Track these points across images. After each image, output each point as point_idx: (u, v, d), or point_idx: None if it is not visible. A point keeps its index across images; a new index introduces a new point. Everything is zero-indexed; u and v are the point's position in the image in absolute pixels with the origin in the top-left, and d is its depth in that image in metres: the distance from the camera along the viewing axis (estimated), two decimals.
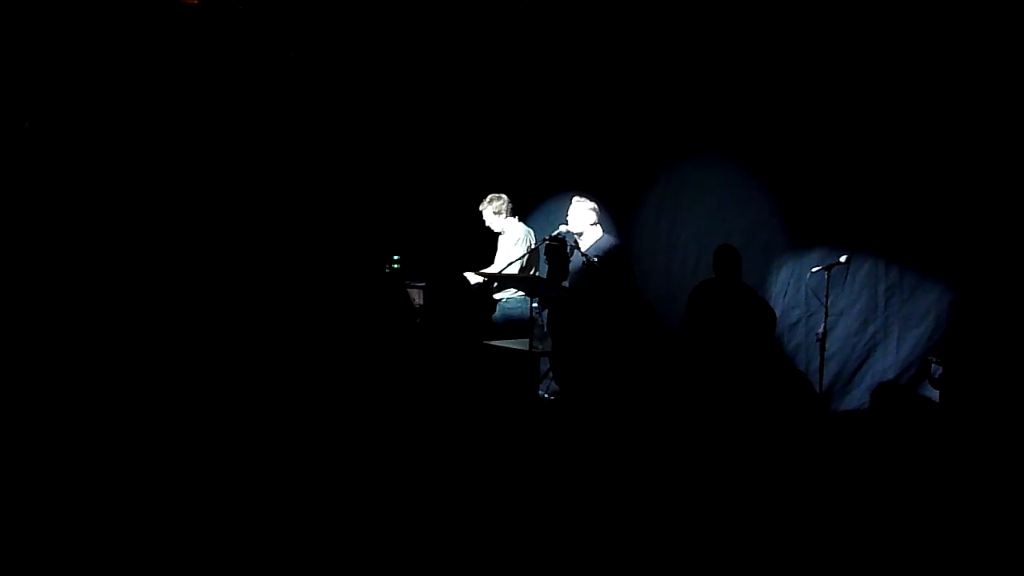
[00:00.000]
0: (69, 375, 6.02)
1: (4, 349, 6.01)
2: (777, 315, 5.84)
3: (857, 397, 5.47)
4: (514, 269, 6.16)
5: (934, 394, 5.01)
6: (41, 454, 4.82)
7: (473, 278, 6.26)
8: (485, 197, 6.44)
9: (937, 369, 4.85)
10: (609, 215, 6.67)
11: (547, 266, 6.05)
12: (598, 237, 6.12)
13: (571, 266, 5.92)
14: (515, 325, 6.17)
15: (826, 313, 5.31)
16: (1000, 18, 4.88)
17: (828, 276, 5.31)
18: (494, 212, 6.39)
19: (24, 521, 3.88)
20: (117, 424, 5.39)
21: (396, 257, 7.65)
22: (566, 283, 5.89)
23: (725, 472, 4.55)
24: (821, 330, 5.31)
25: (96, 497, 4.23)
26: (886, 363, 5.36)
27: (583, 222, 6.08)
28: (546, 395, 6.13)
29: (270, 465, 4.55)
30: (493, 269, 6.33)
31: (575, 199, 6.11)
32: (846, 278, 5.48)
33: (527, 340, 5.61)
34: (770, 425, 5.22)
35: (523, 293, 6.20)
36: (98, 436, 5.22)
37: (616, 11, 6.61)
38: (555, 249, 5.91)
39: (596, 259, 5.75)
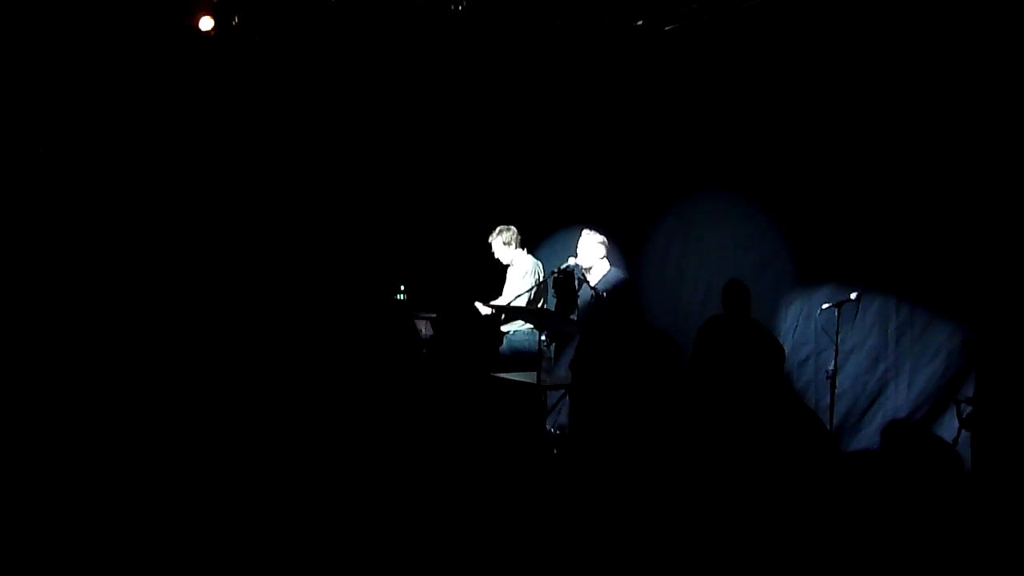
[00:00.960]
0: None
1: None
2: (786, 351, 5.80)
3: (868, 436, 5.40)
4: (522, 301, 6.15)
5: (947, 434, 4.95)
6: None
7: (481, 310, 6.25)
8: (494, 228, 6.45)
9: (966, 409, 4.76)
10: (618, 249, 6.67)
11: (555, 299, 6.03)
12: (606, 271, 6.10)
13: (579, 299, 5.90)
14: (522, 358, 6.14)
15: (836, 350, 5.27)
16: (1009, 52, 4.90)
17: (838, 313, 5.27)
18: (503, 243, 6.40)
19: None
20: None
21: (403, 287, 7.66)
22: (574, 316, 5.87)
23: (734, 509, 4.50)
24: (831, 367, 5.26)
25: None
26: (897, 402, 5.29)
27: (592, 255, 6.06)
28: (553, 429, 6.07)
29: (276, 496, 4.51)
30: (501, 301, 6.32)
31: (585, 232, 6.10)
32: (856, 315, 5.43)
33: (534, 373, 5.57)
34: (780, 464, 5.16)
35: (531, 326, 6.17)
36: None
37: (630, 46, 6.67)
38: (563, 282, 5.88)
39: (605, 293, 5.73)
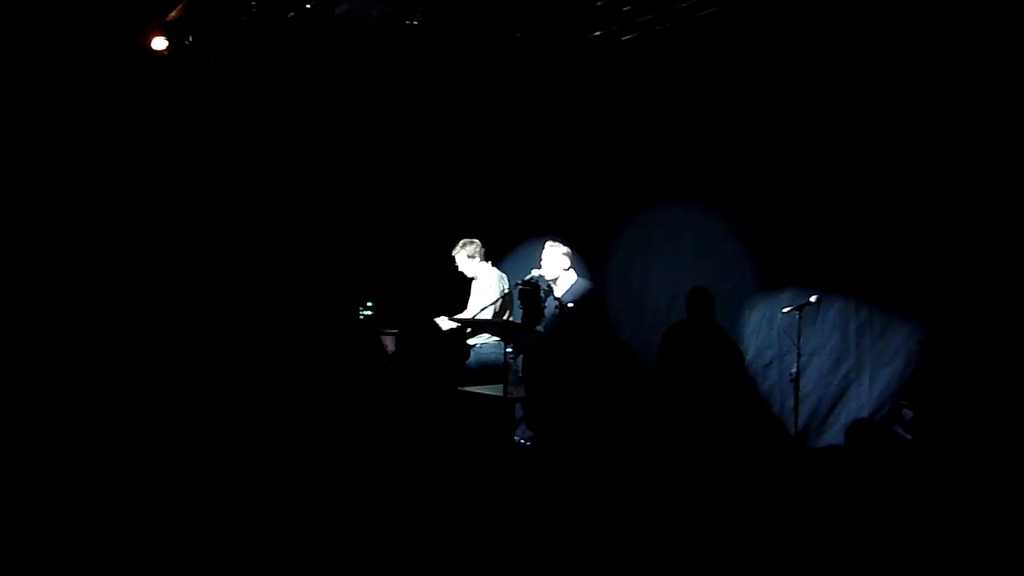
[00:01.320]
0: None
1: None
2: (750, 356, 5.86)
3: (832, 436, 5.46)
4: (488, 314, 6.14)
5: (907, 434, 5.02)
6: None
7: (446, 323, 6.23)
8: (458, 242, 6.44)
9: (908, 413, 4.86)
10: (582, 259, 6.70)
11: (521, 311, 6.04)
12: (573, 281, 6.12)
13: (545, 311, 5.91)
14: (489, 370, 6.13)
15: (799, 353, 5.33)
16: (959, 53, 5.01)
17: (800, 316, 5.34)
18: (467, 256, 6.39)
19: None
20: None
21: (369, 304, 7.61)
22: (540, 328, 5.87)
23: (702, 511, 4.52)
24: (794, 370, 5.33)
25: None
26: (859, 402, 5.36)
27: (556, 267, 6.08)
28: (522, 441, 6.06)
29: (248, 505, 4.48)
30: (467, 314, 6.31)
31: (548, 244, 6.12)
32: (817, 318, 5.51)
33: (501, 385, 5.56)
34: (745, 465, 5.20)
35: (497, 338, 6.17)
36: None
37: (589, 59, 6.72)
38: (528, 294, 5.90)
39: (570, 304, 5.75)
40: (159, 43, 6.17)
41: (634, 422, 5.13)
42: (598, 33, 6.44)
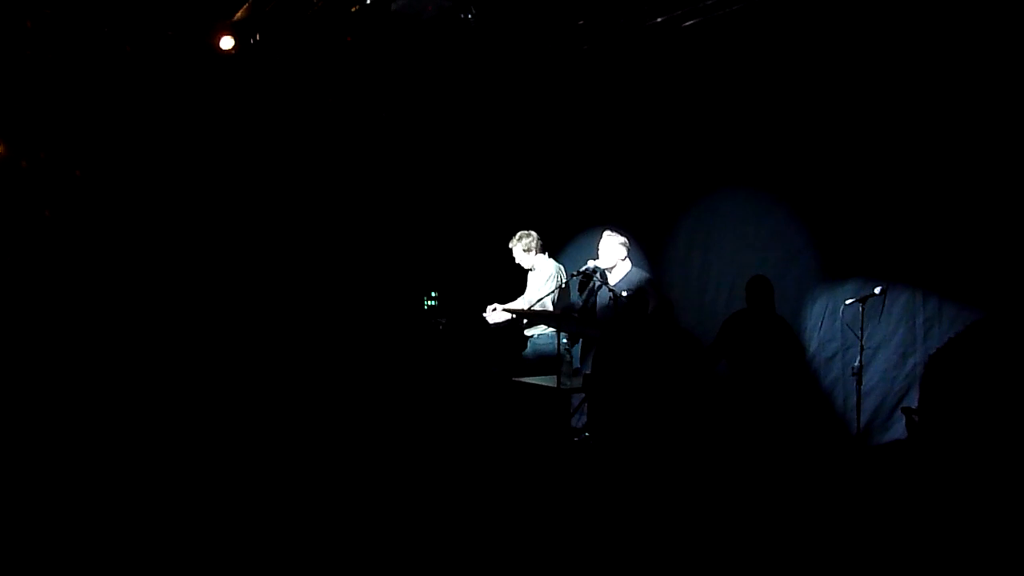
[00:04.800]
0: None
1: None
2: (812, 348, 5.70)
3: (898, 433, 5.27)
4: (544, 305, 6.15)
5: None
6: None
7: (499, 314, 6.24)
8: (515, 234, 6.46)
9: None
10: (640, 249, 6.63)
11: (580, 302, 6.03)
12: (628, 271, 6.08)
13: (599, 301, 5.89)
14: (546, 361, 6.14)
15: (861, 347, 5.16)
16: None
17: (863, 308, 5.16)
18: (524, 249, 6.40)
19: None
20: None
21: (434, 294, 7.73)
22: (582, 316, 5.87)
23: (759, 506, 4.45)
24: (857, 364, 5.16)
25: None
26: None
27: (613, 256, 6.05)
28: (579, 432, 6.06)
29: (293, 496, 4.61)
30: (521, 304, 6.32)
31: (606, 233, 6.09)
32: (882, 310, 5.31)
33: (555, 377, 5.57)
34: (805, 460, 5.08)
35: (553, 329, 6.17)
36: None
37: (649, 46, 6.61)
38: (583, 284, 5.91)
39: (624, 293, 5.70)
40: (227, 43, 6.38)
41: (698, 414, 5.07)
42: (660, 19, 6.34)
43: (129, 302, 6.86)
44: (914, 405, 5.25)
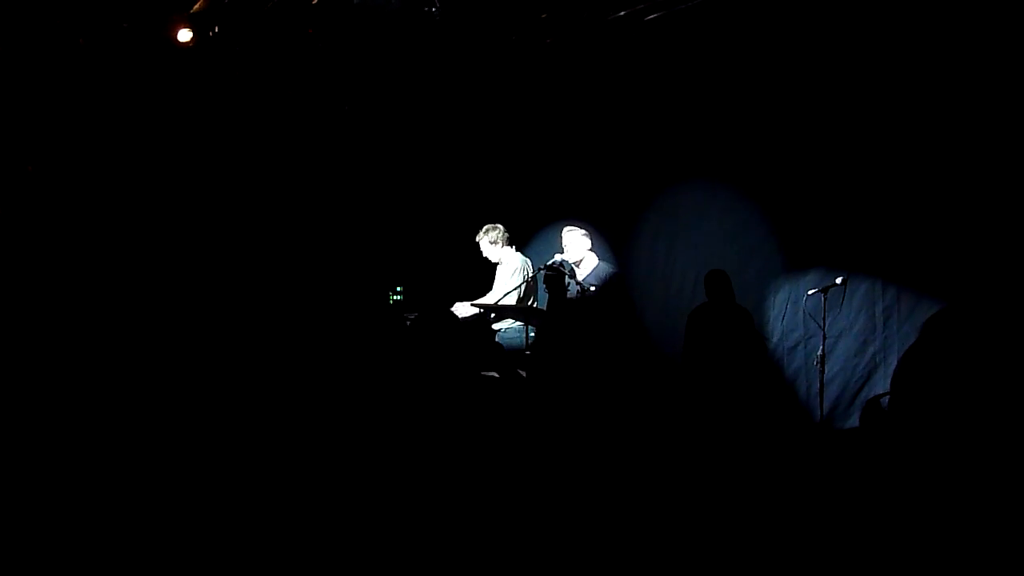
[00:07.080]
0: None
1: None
2: (775, 338, 5.80)
3: (858, 420, 5.40)
4: (511, 300, 6.16)
5: None
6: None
7: (465, 309, 6.24)
8: (481, 228, 6.45)
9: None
10: (606, 242, 6.67)
11: (546, 296, 6.04)
12: (595, 264, 6.12)
13: (568, 295, 5.91)
14: (513, 355, 6.14)
15: (824, 335, 5.27)
16: (982, 42, 4.88)
17: (825, 298, 5.27)
18: (490, 242, 6.40)
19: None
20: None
21: (399, 288, 7.66)
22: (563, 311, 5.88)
23: (725, 492, 4.51)
24: (820, 352, 5.27)
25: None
26: (887, 384, 5.29)
27: (580, 249, 6.09)
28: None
29: (268, 497, 4.56)
30: (489, 299, 6.33)
31: (566, 229, 6.14)
32: (843, 299, 5.43)
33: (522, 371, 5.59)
34: (769, 447, 5.16)
35: (520, 323, 6.18)
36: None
37: (610, 41, 6.64)
38: (552, 279, 5.90)
39: (592, 287, 5.74)
40: (185, 35, 6.25)
41: (651, 407, 5.12)
42: (622, 13, 6.37)
43: (86, 298, 6.71)
44: (874, 392, 5.39)
